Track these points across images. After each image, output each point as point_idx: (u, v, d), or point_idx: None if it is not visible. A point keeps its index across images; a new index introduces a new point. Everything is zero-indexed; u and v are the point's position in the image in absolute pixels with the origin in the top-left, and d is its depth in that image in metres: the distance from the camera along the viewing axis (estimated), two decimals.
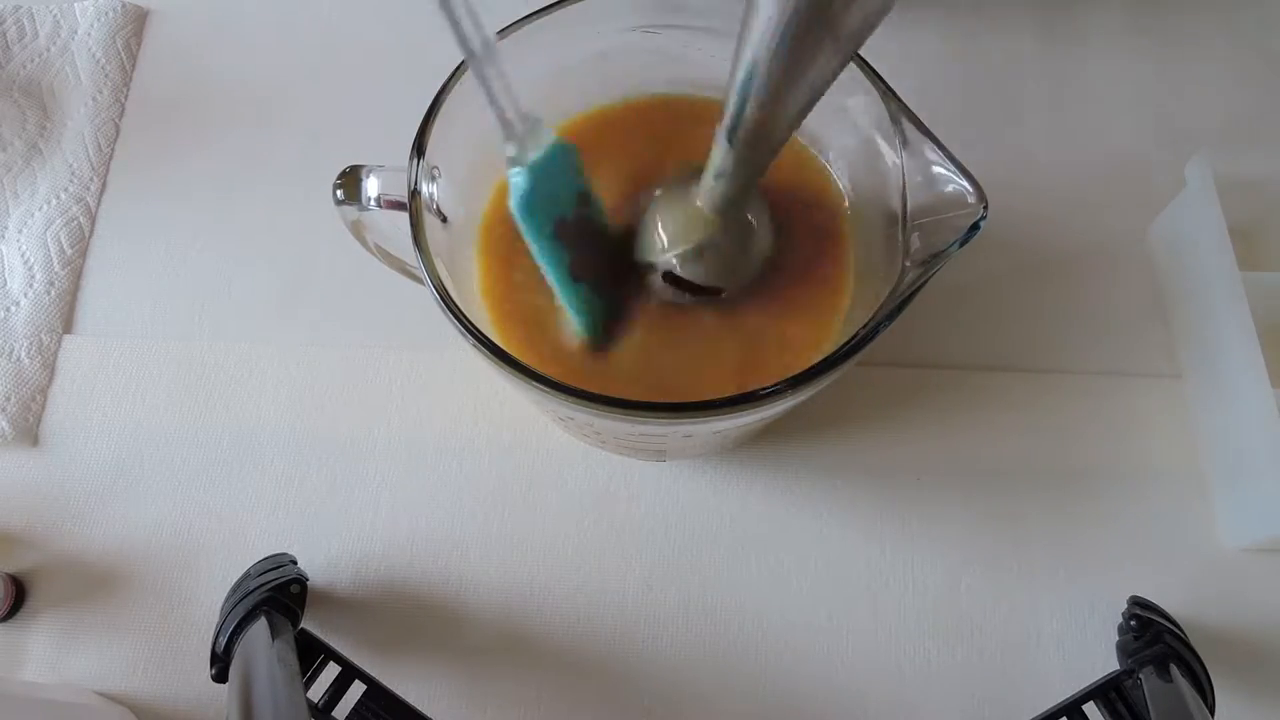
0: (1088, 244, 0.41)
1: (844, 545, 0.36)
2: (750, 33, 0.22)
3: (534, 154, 0.27)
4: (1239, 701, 0.34)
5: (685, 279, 0.29)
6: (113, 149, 0.44)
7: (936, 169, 0.26)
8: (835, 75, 0.23)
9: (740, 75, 0.23)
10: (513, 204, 0.27)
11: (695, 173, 0.29)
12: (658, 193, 0.30)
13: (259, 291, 0.41)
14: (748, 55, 0.22)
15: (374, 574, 0.36)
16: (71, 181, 0.43)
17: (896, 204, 0.27)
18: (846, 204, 0.32)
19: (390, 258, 0.33)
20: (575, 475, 0.38)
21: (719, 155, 0.26)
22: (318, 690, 0.31)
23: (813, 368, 0.25)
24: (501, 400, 0.39)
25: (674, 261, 0.29)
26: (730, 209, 0.28)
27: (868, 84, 0.28)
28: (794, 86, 0.23)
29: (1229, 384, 0.35)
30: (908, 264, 0.25)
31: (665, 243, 0.29)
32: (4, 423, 0.38)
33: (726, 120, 0.24)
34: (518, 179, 0.27)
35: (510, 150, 0.26)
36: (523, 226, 0.28)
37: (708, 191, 0.27)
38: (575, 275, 0.29)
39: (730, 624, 0.35)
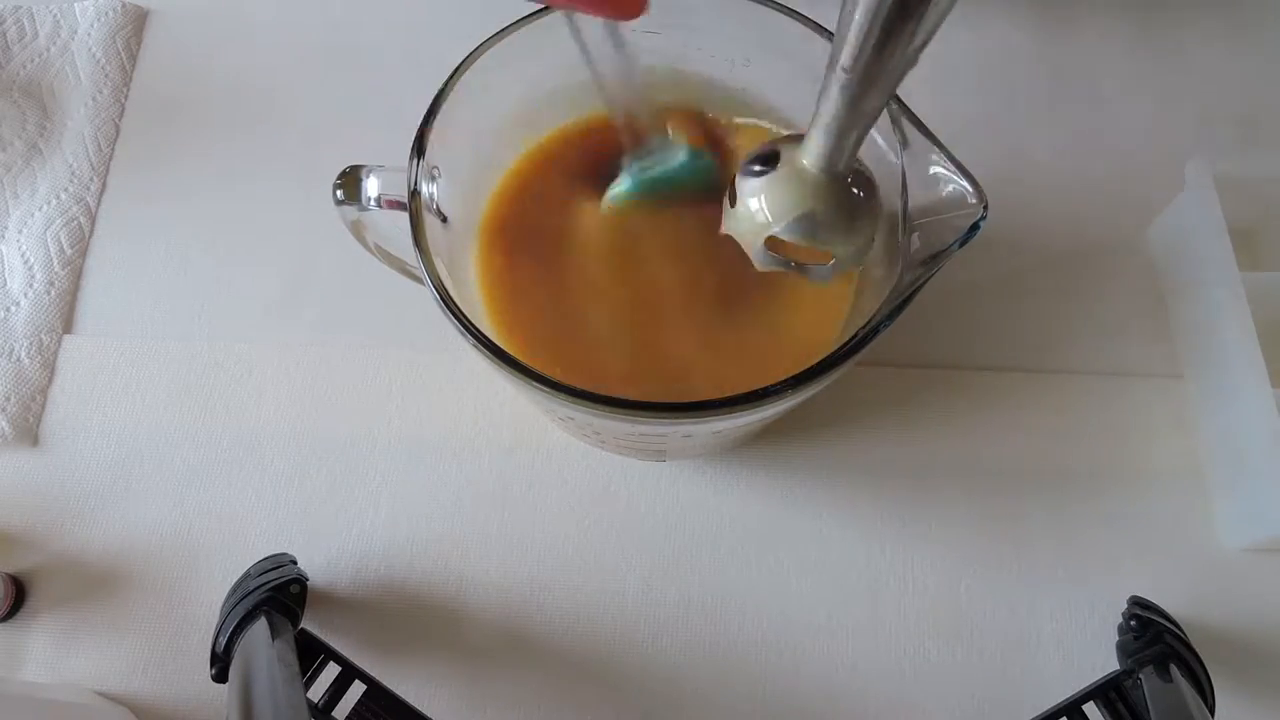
0: (1088, 244, 0.41)
1: (844, 545, 0.36)
2: None
3: (650, 169, 0.32)
4: (1239, 701, 0.34)
5: (794, 245, 0.27)
6: (113, 149, 0.44)
7: (936, 169, 0.26)
8: None
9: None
10: (617, 188, 0.33)
11: (767, 149, 0.27)
12: (742, 173, 0.28)
13: (259, 291, 0.41)
14: None
15: (374, 574, 0.36)
16: (71, 181, 0.43)
17: (897, 204, 0.27)
18: None
19: (390, 258, 0.33)
20: (575, 475, 0.37)
21: (830, 106, 0.24)
22: (318, 690, 0.31)
23: (813, 368, 0.25)
24: (501, 400, 0.39)
25: (782, 228, 0.27)
26: (839, 169, 0.26)
27: None
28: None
29: (1229, 384, 0.35)
30: (908, 264, 0.25)
31: (771, 213, 0.27)
32: (4, 423, 0.38)
33: (844, 59, 0.23)
34: (624, 179, 0.32)
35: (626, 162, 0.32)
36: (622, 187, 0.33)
37: (816, 149, 0.25)
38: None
39: (730, 624, 0.35)
